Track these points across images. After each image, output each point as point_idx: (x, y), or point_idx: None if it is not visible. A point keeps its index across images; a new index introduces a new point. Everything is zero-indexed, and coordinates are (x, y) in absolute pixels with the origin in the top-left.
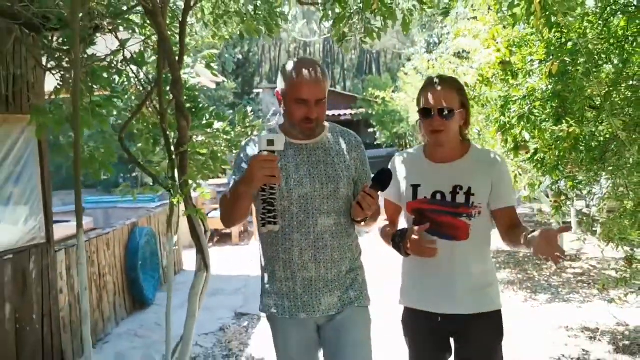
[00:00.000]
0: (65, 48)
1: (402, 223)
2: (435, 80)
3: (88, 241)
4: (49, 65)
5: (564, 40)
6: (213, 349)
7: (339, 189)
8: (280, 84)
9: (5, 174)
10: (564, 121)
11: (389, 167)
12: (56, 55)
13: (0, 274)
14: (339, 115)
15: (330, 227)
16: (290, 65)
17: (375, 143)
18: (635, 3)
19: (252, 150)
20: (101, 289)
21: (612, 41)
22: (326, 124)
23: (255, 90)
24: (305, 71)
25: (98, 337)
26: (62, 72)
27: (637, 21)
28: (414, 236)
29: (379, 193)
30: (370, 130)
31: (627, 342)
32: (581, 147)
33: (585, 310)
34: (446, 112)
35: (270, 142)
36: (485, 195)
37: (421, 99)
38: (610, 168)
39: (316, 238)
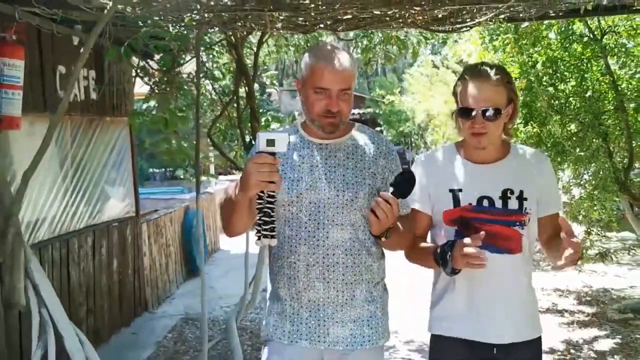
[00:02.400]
0: (163, 69)
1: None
2: (479, 70)
3: (158, 218)
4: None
5: (532, 62)
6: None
7: (357, 198)
8: (302, 71)
9: (112, 162)
10: (529, 124)
11: (413, 169)
12: (155, 74)
13: (110, 237)
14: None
15: (344, 241)
16: (312, 51)
17: None
18: (587, 33)
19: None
20: (167, 257)
21: (572, 62)
22: (355, 124)
23: (268, 90)
24: (327, 56)
25: (167, 295)
26: (157, 86)
27: (590, 47)
28: (467, 249)
29: (400, 200)
30: (378, 129)
31: (588, 298)
32: (548, 143)
33: (559, 278)
34: (491, 113)
35: (270, 142)
36: (535, 200)
37: (460, 93)
38: (571, 158)
39: (326, 253)
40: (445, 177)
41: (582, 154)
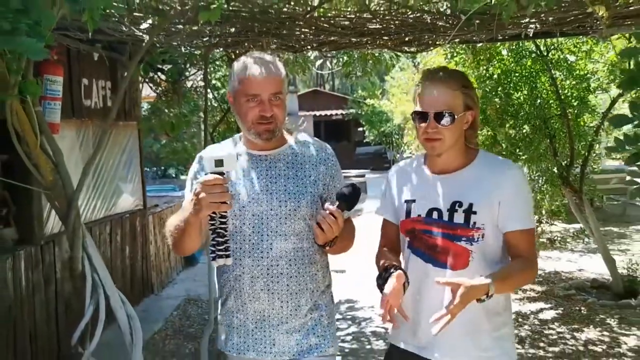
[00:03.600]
0: (170, 80)
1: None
2: (435, 74)
3: (161, 211)
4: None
5: (488, 75)
6: None
7: (299, 208)
8: (231, 83)
9: (124, 161)
10: (485, 128)
11: (387, 177)
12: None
13: (123, 226)
14: (331, 114)
15: (287, 252)
16: (239, 62)
17: (365, 141)
18: (535, 50)
19: (201, 161)
20: (168, 246)
21: (524, 73)
22: (293, 133)
23: None
24: (255, 64)
25: (169, 279)
26: (164, 93)
27: (538, 62)
28: (390, 288)
29: (346, 212)
30: (360, 129)
31: (540, 279)
32: (503, 144)
33: None
34: (445, 117)
35: (219, 163)
36: (492, 214)
37: (417, 97)
38: (525, 157)
39: (270, 264)
40: (405, 187)
41: (532, 153)
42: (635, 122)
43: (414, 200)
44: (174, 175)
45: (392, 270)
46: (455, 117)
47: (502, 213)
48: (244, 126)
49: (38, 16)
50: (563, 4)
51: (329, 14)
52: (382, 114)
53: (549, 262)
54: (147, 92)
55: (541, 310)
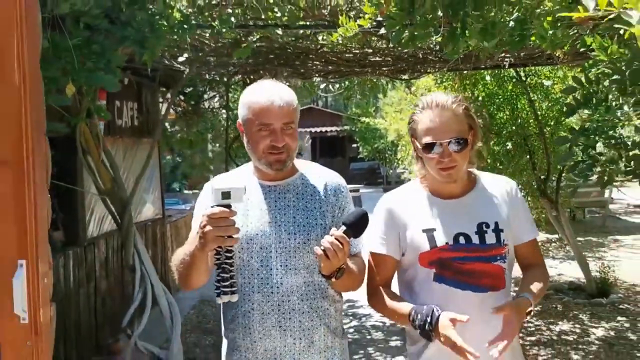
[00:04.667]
0: (191, 102)
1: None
2: (435, 102)
3: (176, 220)
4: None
5: (474, 98)
6: None
7: (310, 240)
8: (242, 112)
9: (147, 174)
10: None
11: (376, 211)
12: (182, 104)
13: (147, 233)
14: (326, 131)
15: (299, 286)
16: (250, 89)
17: (359, 157)
18: (515, 75)
19: (210, 192)
20: None
21: (505, 96)
22: (303, 162)
23: None
24: (267, 92)
25: None
26: (184, 114)
27: (518, 86)
28: (449, 333)
29: (351, 240)
30: (354, 145)
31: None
32: (488, 159)
33: None
34: (459, 144)
35: (226, 195)
36: (510, 230)
37: (418, 129)
38: (508, 171)
39: (281, 300)
40: (415, 216)
41: (514, 167)
42: (569, 143)
43: (434, 229)
44: (177, 189)
45: (434, 313)
46: (467, 140)
47: (514, 227)
48: (255, 155)
49: (110, 57)
50: (530, 44)
51: (336, 50)
52: (376, 131)
53: None
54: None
55: None
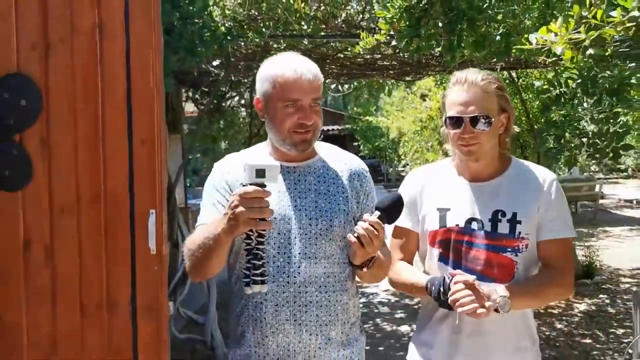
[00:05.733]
0: (214, 101)
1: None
2: (466, 76)
3: (196, 209)
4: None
5: None
6: None
7: (332, 227)
8: (262, 86)
9: (172, 167)
10: None
11: (403, 185)
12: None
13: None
14: (328, 130)
15: (318, 277)
16: (272, 62)
17: (360, 155)
18: (507, 76)
19: (227, 174)
20: None
21: None
22: (322, 144)
23: None
24: (294, 64)
25: None
26: (208, 112)
27: (512, 86)
28: (460, 293)
29: (385, 226)
30: (355, 143)
31: None
32: None
33: None
34: (482, 121)
35: (260, 173)
36: (534, 224)
37: (448, 103)
38: None
39: (297, 291)
40: (435, 193)
41: None
42: (544, 134)
43: (448, 209)
44: (188, 185)
45: (445, 281)
46: (492, 120)
47: (540, 221)
48: (279, 135)
49: (167, 63)
50: (513, 54)
51: (349, 55)
52: (377, 129)
53: None
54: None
55: None
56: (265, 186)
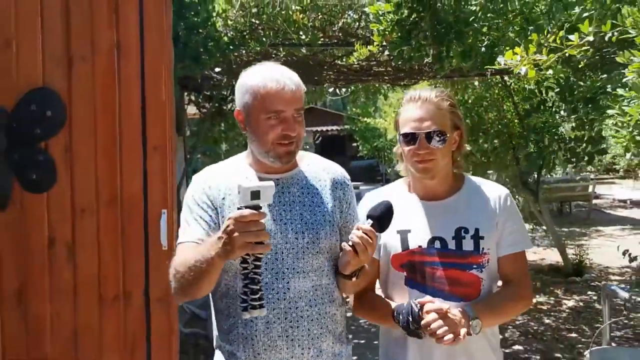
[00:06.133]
0: (215, 105)
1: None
2: (419, 95)
3: None
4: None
5: (464, 100)
6: None
7: (319, 240)
8: (243, 98)
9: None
10: None
11: (358, 207)
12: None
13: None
14: (327, 130)
15: (307, 291)
16: (251, 73)
17: (358, 155)
18: (500, 80)
19: (208, 188)
20: None
21: (492, 99)
22: (301, 153)
23: None
24: (275, 75)
25: None
26: (210, 115)
27: (504, 90)
28: (434, 324)
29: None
30: (354, 144)
31: None
32: (477, 155)
33: None
34: (436, 138)
35: (255, 195)
36: (494, 239)
37: (401, 120)
38: (494, 166)
39: (288, 307)
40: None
41: (500, 163)
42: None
43: (409, 230)
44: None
45: (413, 310)
46: (447, 136)
47: (498, 237)
48: (262, 147)
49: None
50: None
51: (346, 62)
52: (375, 130)
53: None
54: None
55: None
56: (260, 208)
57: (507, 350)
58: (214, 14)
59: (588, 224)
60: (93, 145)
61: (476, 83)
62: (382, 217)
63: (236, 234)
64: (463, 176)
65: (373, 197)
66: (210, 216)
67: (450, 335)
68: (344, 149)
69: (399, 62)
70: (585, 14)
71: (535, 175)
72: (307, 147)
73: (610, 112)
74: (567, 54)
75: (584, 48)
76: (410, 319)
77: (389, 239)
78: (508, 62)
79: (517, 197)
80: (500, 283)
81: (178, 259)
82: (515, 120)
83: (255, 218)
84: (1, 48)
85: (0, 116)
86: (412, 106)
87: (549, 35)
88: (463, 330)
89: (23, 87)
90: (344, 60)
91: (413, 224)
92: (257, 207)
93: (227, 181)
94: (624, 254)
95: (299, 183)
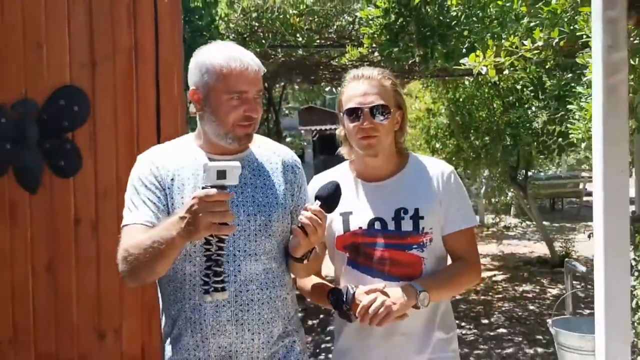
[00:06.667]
0: None
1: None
2: (362, 73)
3: None
4: None
5: (455, 99)
6: None
7: (271, 222)
8: (201, 77)
9: None
10: (453, 138)
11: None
12: None
13: None
14: (326, 129)
15: (258, 274)
16: (211, 51)
17: None
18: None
19: (155, 168)
20: None
21: (483, 97)
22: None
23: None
24: (238, 54)
25: None
26: None
27: (494, 89)
28: (363, 302)
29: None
30: None
31: (499, 257)
32: (468, 151)
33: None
34: (380, 111)
35: (221, 174)
36: (436, 218)
37: (345, 97)
38: (485, 162)
39: (238, 290)
40: None
41: (490, 159)
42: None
43: (350, 212)
44: None
45: (349, 291)
46: (391, 111)
47: (443, 215)
48: (221, 129)
49: None
50: None
51: (340, 62)
52: None
53: (508, 247)
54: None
55: (494, 275)
56: (226, 188)
57: (492, 333)
58: (217, 18)
59: (578, 219)
60: (114, 135)
61: (467, 82)
62: (329, 197)
63: (201, 214)
64: (407, 156)
65: (320, 178)
66: (159, 197)
67: (383, 308)
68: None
69: (388, 63)
70: (533, 24)
71: (524, 172)
72: (305, 144)
73: (570, 107)
74: (522, 56)
75: (535, 52)
76: (344, 299)
77: (333, 221)
78: (470, 64)
79: (507, 191)
80: (450, 262)
81: (129, 241)
82: (505, 118)
83: (222, 198)
84: (33, 50)
85: (33, 110)
86: (355, 83)
87: (504, 41)
88: (395, 306)
89: (53, 84)
90: (337, 60)
91: (355, 205)
92: (222, 188)
93: (175, 161)
94: (589, 236)
95: (251, 165)
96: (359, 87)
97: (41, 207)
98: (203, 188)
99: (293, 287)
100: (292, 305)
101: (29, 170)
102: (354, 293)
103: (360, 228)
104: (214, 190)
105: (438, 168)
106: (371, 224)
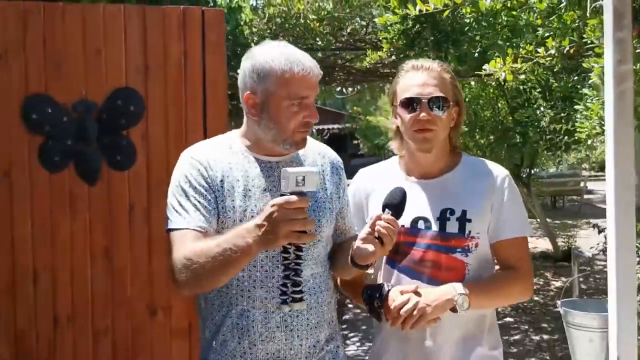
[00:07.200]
0: (232, 102)
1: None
2: (421, 64)
3: None
4: None
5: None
6: None
7: (320, 227)
8: (261, 82)
9: None
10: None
11: (349, 188)
12: None
13: None
14: (329, 129)
15: (306, 280)
16: (271, 54)
17: (359, 153)
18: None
19: (204, 169)
20: None
21: (488, 98)
22: None
23: None
24: (302, 59)
25: None
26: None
27: (498, 89)
28: (395, 303)
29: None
30: (355, 142)
31: None
32: (473, 149)
33: None
34: (439, 103)
35: (300, 181)
36: (485, 223)
37: (400, 87)
38: (490, 160)
39: None
40: (381, 193)
41: (495, 157)
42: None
43: None
44: None
45: (383, 288)
46: (450, 104)
47: (493, 221)
48: (280, 135)
49: None
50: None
51: (355, 64)
52: (376, 128)
53: None
54: None
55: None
56: (305, 194)
57: (499, 322)
58: (242, 23)
59: (579, 216)
60: (164, 133)
61: (472, 83)
62: (399, 205)
63: (282, 221)
64: (460, 155)
65: (367, 173)
66: (209, 200)
67: (413, 311)
68: (345, 147)
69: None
70: (547, 34)
71: (528, 170)
72: None
73: (576, 107)
74: (537, 62)
75: (548, 58)
76: (377, 294)
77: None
78: (491, 69)
79: None
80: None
81: (191, 247)
82: (509, 118)
83: (303, 205)
84: (93, 56)
85: (93, 109)
86: (414, 73)
87: (521, 49)
88: (429, 308)
89: (111, 86)
90: (359, 63)
91: None
92: (301, 194)
93: (224, 162)
94: (594, 227)
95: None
96: (418, 77)
97: (99, 198)
98: (281, 195)
99: (335, 291)
100: (334, 309)
101: (89, 164)
102: (389, 290)
103: (403, 226)
104: (294, 197)
105: (492, 171)
106: (414, 222)
